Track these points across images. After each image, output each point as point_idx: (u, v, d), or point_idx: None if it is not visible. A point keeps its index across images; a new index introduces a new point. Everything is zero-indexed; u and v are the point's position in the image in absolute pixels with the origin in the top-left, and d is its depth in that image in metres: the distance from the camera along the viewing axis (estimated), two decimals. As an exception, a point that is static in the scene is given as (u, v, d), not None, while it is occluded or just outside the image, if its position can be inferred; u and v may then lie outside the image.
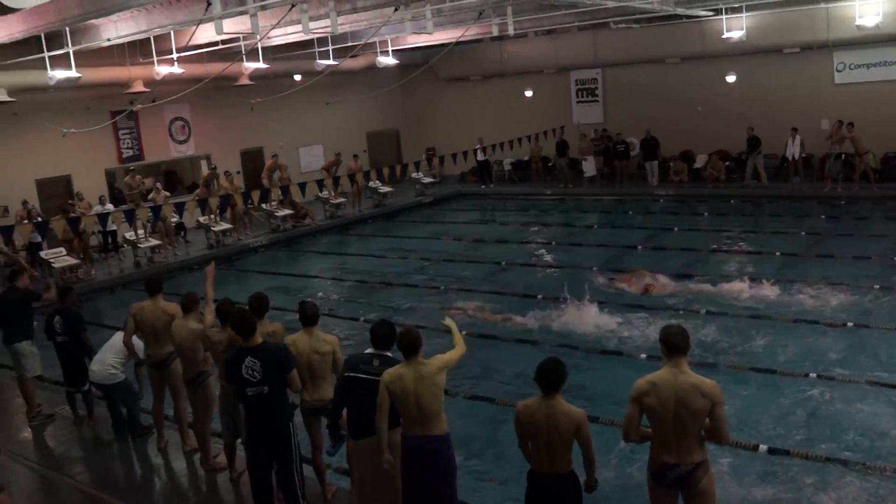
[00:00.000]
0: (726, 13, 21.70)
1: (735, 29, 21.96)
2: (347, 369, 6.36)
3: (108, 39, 16.11)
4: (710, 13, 21.45)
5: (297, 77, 23.82)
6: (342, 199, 24.28)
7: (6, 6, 6.81)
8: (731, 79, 24.46)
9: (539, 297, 14.30)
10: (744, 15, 21.72)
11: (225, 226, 21.22)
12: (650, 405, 5.28)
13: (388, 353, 6.29)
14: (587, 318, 12.81)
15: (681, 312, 12.57)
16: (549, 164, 27.22)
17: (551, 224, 22.14)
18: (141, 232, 19.90)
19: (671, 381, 5.25)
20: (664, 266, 15.52)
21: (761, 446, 8.09)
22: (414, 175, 26.25)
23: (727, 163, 24.06)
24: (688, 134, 25.09)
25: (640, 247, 17.74)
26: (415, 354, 5.94)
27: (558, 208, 24.63)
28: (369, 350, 6.38)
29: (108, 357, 9.01)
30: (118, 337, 9.13)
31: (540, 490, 5.57)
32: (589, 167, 25.62)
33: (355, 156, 25.39)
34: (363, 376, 6.19)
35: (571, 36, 26.42)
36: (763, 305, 12.83)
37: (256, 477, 6.72)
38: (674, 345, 5.32)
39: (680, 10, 18.84)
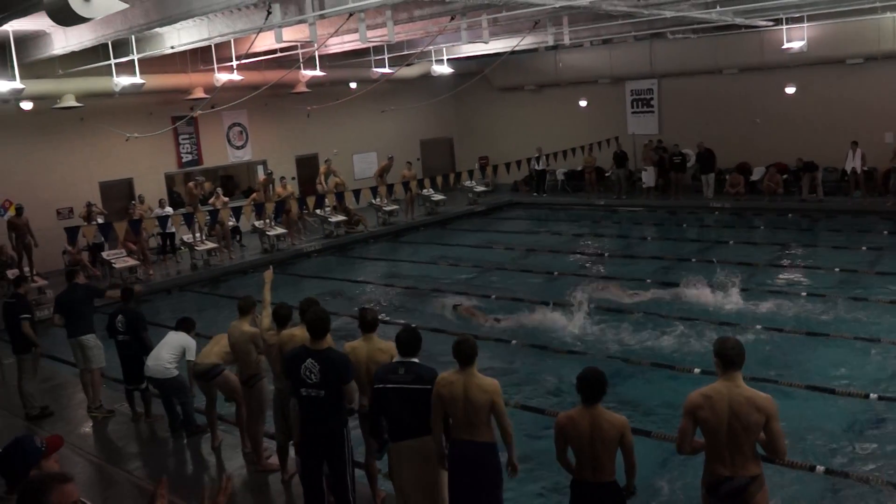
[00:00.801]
0: (787, 23, 21.35)
1: (796, 39, 21.59)
2: (377, 381, 6.42)
3: (172, 47, 16.48)
4: (771, 23, 21.16)
5: (353, 85, 24.10)
6: (395, 206, 24.48)
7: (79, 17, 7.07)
8: (790, 90, 24.11)
9: (591, 307, 14.26)
10: (805, 25, 21.34)
11: (280, 230, 21.53)
12: (704, 418, 5.26)
13: (415, 360, 6.36)
14: (635, 330, 12.81)
15: (736, 326, 12.43)
16: (606, 175, 27.07)
17: (604, 235, 22.05)
18: (198, 235, 20.31)
19: (725, 395, 5.22)
20: (718, 279, 15.39)
21: (818, 467, 7.95)
22: (467, 183, 26.33)
23: (785, 176, 23.66)
24: (744, 146, 24.77)
25: (693, 259, 17.57)
26: (470, 363, 6.01)
27: (611, 219, 24.49)
28: (396, 359, 6.46)
29: (164, 353, 9.24)
30: (173, 336, 9.36)
31: (584, 499, 5.60)
32: (648, 178, 25.46)
33: (409, 163, 25.58)
34: (392, 385, 6.28)
35: (627, 46, 26.28)
36: (820, 322, 12.63)
37: (308, 479, 6.82)
38: (730, 359, 5.29)
39: (739, 20, 18.63)
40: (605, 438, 5.40)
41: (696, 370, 10.66)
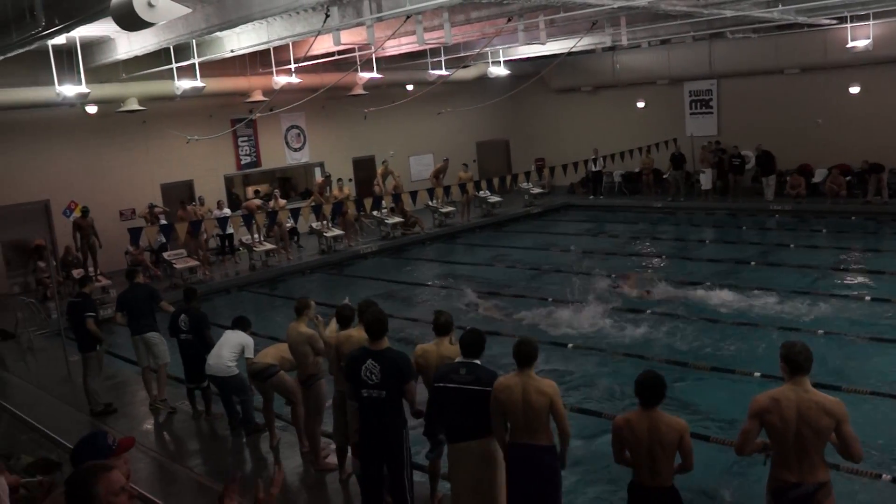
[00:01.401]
0: (851, 21, 20.87)
1: (861, 38, 21.08)
2: (437, 379, 6.43)
3: (232, 51, 16.73)
4: (834, 21, 20.69)
5: (410, 87, 24.21)
6: (451, 208, 24.52)
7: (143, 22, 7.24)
8: (854, 90, 23.59)
9: (648, 311, 14.15)
10: (871, 23, 20.79)
11: (337, 232, 21.72)
12: (771, 422, 5.15)
13: (477, 361, 6.34)
14: (692, 332, 12.66)
15: (799, 331, 12.19)
16: (663, 176, 26.77)
17: (662, 237, 21.82)
18: (257, 236, 20.59)
19: (793, 399, 5.11)
20: (779, 283, 15.16)
21: (885, 475, 7.77)
22: (523, 185, 26.27)
23: (848, 177, 23.11)
24: (806, 147, 24.30)
25: (753, 263, 17.29)
26: (529, 365, 5.99)
27: (669, 221, 24.24)
28: (459, 359, 6.45)
29: (224, 352, 9.35)
30: (231, 334, 9.48)
31: (641, 503, 5.55)
32: (706, 180, 25.12)
33: (465, 165, 25.60)
34: (452, 385, 6.28)
35: (686, 46, 25.96)
36: (885, 327, 12.34)
37: (366, 479, 6.86)
38: (797, 364, 5.19)
39: (801, 19, 18.27)
40: (664, 442, 5.35)
41: (757, 374, 10.50)
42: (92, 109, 19.37)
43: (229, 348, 9.36)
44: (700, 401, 10.03)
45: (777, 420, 5.13)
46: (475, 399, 6.16)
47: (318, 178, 24.48)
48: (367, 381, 6.49)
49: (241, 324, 9.64)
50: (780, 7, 16.13)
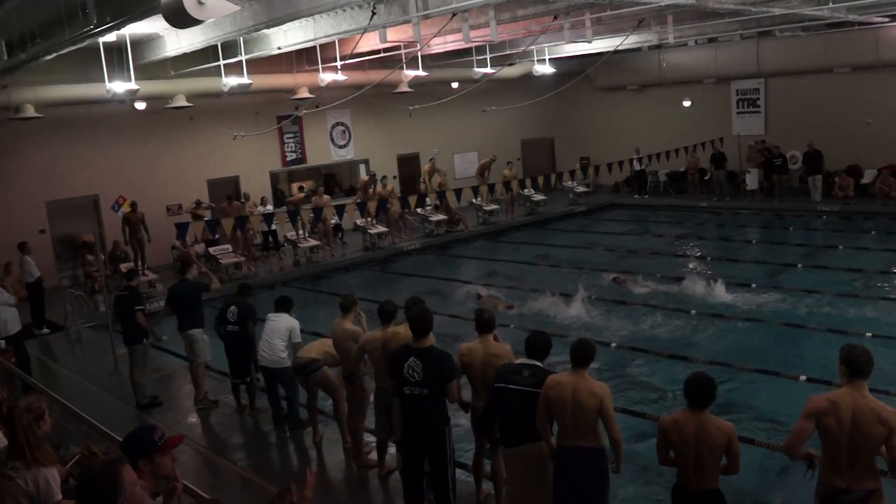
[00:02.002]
0: (903, 19, 20.47)
1: (913, 36, 20.67)
2: (498, 380, 6.37)
3: (278, 48, 16.87)
4: (886, 19, 20.28)
5: (455, 84, 24.20)
6: (495, 206, 24.47)
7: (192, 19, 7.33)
8: (906, 89, 23.08)
9: (692, 311, 14.00)
10: (924, 22, 20.43)
11: (381, 229, 21.79)
12: (826, 425, 5.03)
13: (540, 364, 6.28)
14: (737, 334, 12.50)
15: (846, 335, 11.94)
16: (706, 178, 26.44)
17: (707, 237, 21.54)
18: (301, 232, 20.72)
19: (850, 403, 4.99)
20: (827, 285, 14.90)
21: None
22: (567, 184, 26.13)
23: (900, 178, 22.65)
24: (855, 147, 23.83)
25: (799, 265, 16.99)
26: (585, 365, 5.94)
27: (714, 221, 23.91)
28: (521, 360, 6.40)
29: (276, 341, 9.39)
30: (277, 320, 9.49)
31: None
32: (752, 180, 24.75)
33: (509, 163, 25.52)
34: (513, 387, 6.20)
35: (734, 44, 25.62)
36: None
37: (408, 476, 6.86)
38: (858, 367, 5.07)
39: (852, 17, 17.94)
40: (711, 444, 5.27)
41: (802, 377, 10.34)
42: (141, 106, 19.64)
43: (279, 336, 9.39)
44: (744, 403, 9.89)
45: (833, 423, 5.00)
46: (536, 402, 6.07)
47: (364, 176, 24.58)
48: (409, 379, 6.49)
49: (284, 305, 9.66)
50: (831, 5, 15.83)
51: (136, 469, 3.84)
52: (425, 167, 25.15)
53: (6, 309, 12.13)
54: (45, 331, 15.76)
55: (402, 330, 7.43)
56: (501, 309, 14.69)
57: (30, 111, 18.11)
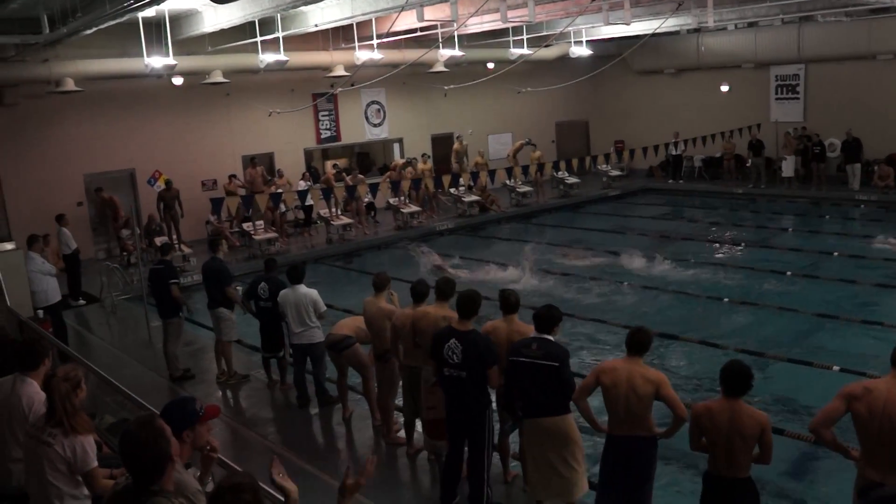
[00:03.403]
0: (951, 6, 19.98)
1: (960, 23, 20.20)
2: (511, 353, 6.44)
3: (315, 25, 16.89)
4: (933, 6, 19.86)
5: (491, 65, 24.09)
6: (528, 188, 24.40)
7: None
8: (952, 77, 22.61)
9: (725, 300, 13.90)
10: (972, 8, 19.93)
11: (414, 208, 21.81)
12: (858, 411, 4.99)
13: (549, 337, 6.34)
14: (771, 322, 12.42)
15: (882, 326, 11.85)
16: (746, 165, 26.10)
17: (742, 224, 21.31)
18: (334, 210, 20.80)
19: (884, 392, 4.94)
20: (862, 275, 14.72)
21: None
22: (601, 167, 25.98)
23: (941, 168, 22.23)
24: (896, 136, 23.44)
25: (836, 253, 16.77)
26: (639, 353, 5.92)
27: (749, 208, 23.67)
28: (533, 334, 6.44)
29: (306, 317, 9.45)
30: (297, 293, 9.51)
31: (716, 493, 5.46)
32: (788, 167, 24.42)
33: (533, 145, 25.38)
34: (523, 360, 6.28)
35: (774, 29, 25.24)
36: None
37: (449, 452, 6.96)
38: None
39: (898, 3, 17.59)
40: (745, 434, 5.24)
41: (836, 367, 10.25)
42: (178, 81, 19.74)
43: (307, 312, 9.45)
44: (775, 391, 9.81)
45: (864, 410, 4.96)
46: (545, 373, 6.17)
47: (398, 159, 24.63)
48: (448, 360, 6.55)
49: (298, 275, 9.66)
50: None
51: (179, 440, 3.89)
52: (455, 146, 25.14)
53: (47, 279, 12.30)
54: (82, 302, 15.98)
55: (431, 310, 7.47)
56: (450, 273, 16.04)
57: (70, 85, 18.29)
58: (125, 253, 18.87)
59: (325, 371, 9.78)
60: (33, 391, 5.38)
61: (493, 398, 6.99)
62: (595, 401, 6.13)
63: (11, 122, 18.84)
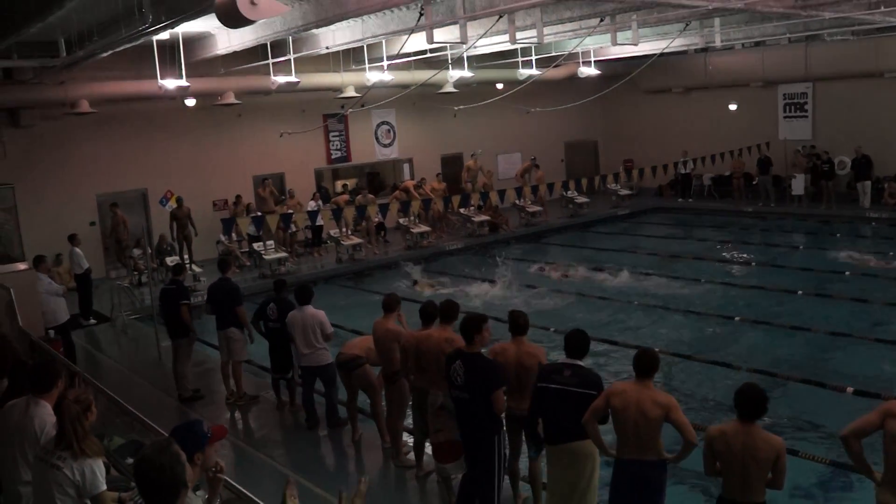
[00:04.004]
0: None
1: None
2: (540, 379, 6.40)
3: (327, 47, 17.02)
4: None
5: (500, 85, 24.18)
6: (538, 208, 24.44)
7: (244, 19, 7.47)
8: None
9: (736, 318, 13.89)
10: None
11: (423, 228, 21.86)
12: (892, 432, 4.93)
13: (581, 363, 6.29)
14: (784, 341, 12.42)
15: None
16: (753, 183, 26.12)
17: (752, 243, 21.29)
18: (345, 229, 20.88)
19: None
20: (875, 294, 14.67)
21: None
22: (611, 186, 26.02)
23: (952, 186, 22.17)
24: (906, 154, 23.39)
25: (847, 272, 16.73)
26: (648, 376, 5.87)
27: (759, 227, 23.65)
28: (562, 359, 6.41)
29: (313, 339, 9.46)
30: (304, 314, 9.53)
31: None
32: (798, 185, 24.40)
33: (536, 165, 25.49)
34: (554, 386, 6.23)
35: (781, 48, 25.26)
36: None
37: (465, 474, 6.95)
38: None
39: (906, 22, 17.57)
40: (759, 458, 5.19)
41: (850, 388, 10.21)
42: (191, 102, 19.90)
43: (314, 334, 9.47)
44: (787, 412, 9.77)
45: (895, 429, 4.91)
46: (578, 401, 6.07)
47: (407, 178, 24.74)
48: (453, 382, 6.57)
49: (307, 296, 9.67)
50: (883, 9, 15.54)
51: (190, 463, 3.92)
52: (468, 162, 25.26)
53: (55, 299, 12.40)
54: (92, 321, 16.08)
55: (434, 332, 7.49)
56: (434, 290, 16.94)
57: (84, 106, 18.49)
58: (136, 272, 18.98)
59: (337, 392, 9.78)
60: (45, 413, 5.42)
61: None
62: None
63: (27, 142, 19.07)
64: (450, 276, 18.74)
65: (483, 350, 6.69)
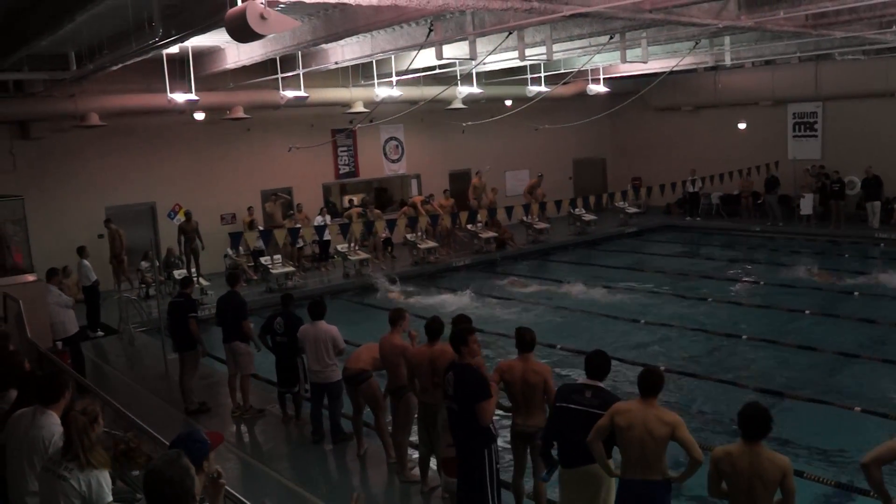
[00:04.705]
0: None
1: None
2: (560, 399, 6.36)
3: (336, 63, 17.09)
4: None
5: (508, 102, 24.25)
6: (545, 225, 24.43)
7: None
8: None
9: (744, 337, 13.85)
10: None
11: (431, 244, 21.87)
12: None
13: (601, 385, 6.26)
14: (791, 361, 12.42)
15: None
16: (758, 202, 26.08)
17: (760, 262, 21.24)
18: (352, 244, 20.89)
19: None
20: (882, 314, 14.61)
21: None
22: (619, 204, 26.01)
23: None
24: (916, 174, 23.34)
25: (856, 293, 16.66)
26: (653, 394, 5.81)
27: (768, 246, 23.59)
28: (582, 380, 6.37)
29: (324, 356, 9.46)
30: (320, 329, 9.52)
31: None
32: (806, 205, 24.35)
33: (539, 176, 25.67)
34: (574, 407, 6.18)
35: (791, 67, 25.30)
36: None
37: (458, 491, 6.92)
38: None
39: (916, 42, 17.60)
40: (766, 479, 5.15)
41: (857, 408, 10.17)
42: (200, 116, 20.00)
43: (326, 350, 9.46)
44: (795, 432, 9.71)
45: None
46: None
47: (415, 193, 24.79)
48: (446, 392, 6.64)
49: (319, 311, 9.65)
50: (895, 28, 15.58)
51: (198, 471, 3.91)
52: (473, 180, 25.29)
53: (64, 311, 12.43)
54: (100, 333, 16.10)
55: (448, 348, 7.47)
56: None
57: (94, 119, 18.58)
58: (143, 285, 19.01)
59: (341, 407, 9.77)
60: (53, 424, 5.42)
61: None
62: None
63: (37, 155, 19.17)
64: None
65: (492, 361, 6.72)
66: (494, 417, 6.66)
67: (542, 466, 6.99)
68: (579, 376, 6.59)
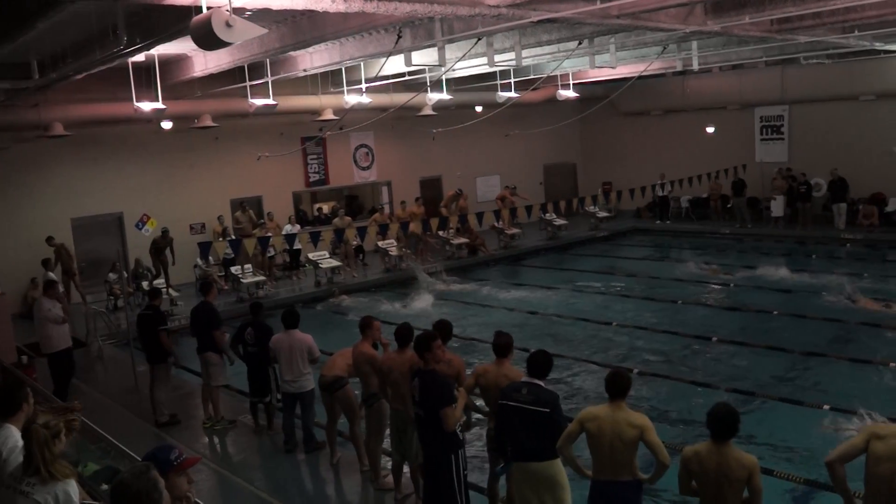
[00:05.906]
0: (931, 48, 20.26)
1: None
2: (501, 397, 6.44)
3: (304, 70, 17.00)
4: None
5: (478, 108, 24.26)
6: (516, 230, 24.46)
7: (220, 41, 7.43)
8: (932, 118, 22.86)
9: (714, 339, 13.92)
10: (952, 50, 20.21)
11: (401, 251, 21.82)
12: (875, 453, 4.94)
13: (540, 383, 6.33)
14: (760, 361, 12.48)
15: (870, 364, 11.91)
16: (728, 206, 26.31)
17: (730, 264, 21.38)
18: (324, 253, 20.78)
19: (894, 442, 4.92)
20: (847, 314, 14.77)
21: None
22: (589, 209, 26.09)
23: (924, 208, 22.42)
24: (879, 176, 23.63)
25: (824, 293, 16.81)
26: (621, 397, 5.86)
27: (736, 248, 23.78)
28: (524, 378, 6.43)
29: (299, 366, 9.37)
30: (294, 338, 9.44)
31: None
32: (777, 207, 24.58)
33: (507, 187, 25.70)
34: (513, 404, 6.28)
35: (758, 71, 25.55)
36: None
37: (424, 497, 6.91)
38: None
39: (878, 45, 17.82)
40: (732, 478, 5.19)
41: (826, 406, 10.24)
42: (167, 125, 19.80)
43: (301, 359, 9.39)
44: (764, 431, 9.74)
45: (882, 452, 4.91)
46: (535, 419, 6.15)
47: (385, 203, 24.84)
48: (413, 398, 6.69)
49: (293, 320, 9.56)
50: (857, 33, 15.77)
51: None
52: (449, 192, 25.21)
53: (52, 326, 11.96)
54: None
55: (409, 354, 7.48)
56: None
57: (59, 129, 18.32)
58: (111, 297, 18.79)
59: (314, 417, 9.70)
60: (9, 436, 5.30)
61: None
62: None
63: (0, 166, 18.84)
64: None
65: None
66: (472, 421, 6.69)
67: (498, 460, 7.10)
68: (549, 380, 6.56)
